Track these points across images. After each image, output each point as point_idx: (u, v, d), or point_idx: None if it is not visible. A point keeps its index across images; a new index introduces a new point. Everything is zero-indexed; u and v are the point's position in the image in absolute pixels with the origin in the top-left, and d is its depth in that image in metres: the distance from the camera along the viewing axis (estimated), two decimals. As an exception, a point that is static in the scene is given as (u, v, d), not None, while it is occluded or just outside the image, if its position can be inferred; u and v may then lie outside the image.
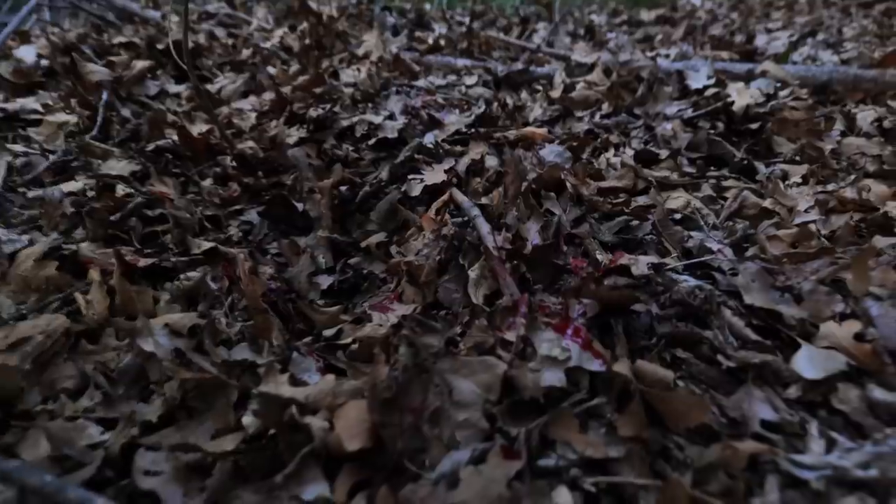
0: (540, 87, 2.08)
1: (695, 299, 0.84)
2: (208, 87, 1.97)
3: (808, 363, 0.73)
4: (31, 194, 1.25)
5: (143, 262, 1.05)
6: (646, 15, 4.16)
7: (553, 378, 0.72)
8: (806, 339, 0.79)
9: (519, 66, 2.22)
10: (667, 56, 2.33)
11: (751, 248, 1.02)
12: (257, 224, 1.33)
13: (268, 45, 2.25)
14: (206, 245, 1.14)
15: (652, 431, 0.69)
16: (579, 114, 1.83)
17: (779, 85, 1.86)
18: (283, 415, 0.71)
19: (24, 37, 2.41)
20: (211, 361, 0.83)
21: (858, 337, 0.77)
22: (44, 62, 1.98)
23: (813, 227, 1.09)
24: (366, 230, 1.32)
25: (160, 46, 2.10)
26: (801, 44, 2.68)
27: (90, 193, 1.25)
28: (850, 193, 1.21)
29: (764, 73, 1.91)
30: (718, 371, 0.76)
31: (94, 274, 0.99)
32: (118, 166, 1.32)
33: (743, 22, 4.15)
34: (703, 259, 0.96)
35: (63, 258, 1.06)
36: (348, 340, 0.91)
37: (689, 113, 1.81)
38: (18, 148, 1.41)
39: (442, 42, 2.47)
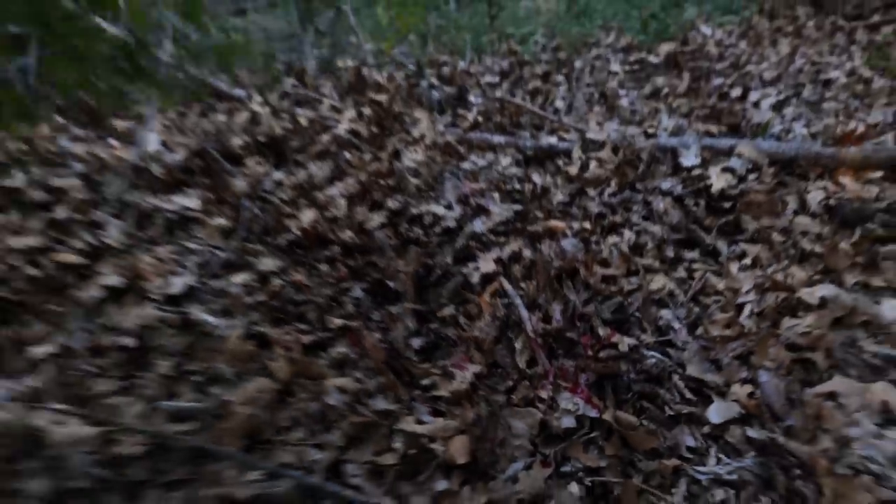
0: (561, 163, 2.61)
1: (655, 369, 1.38)
2: (301, 173, 2.56)
3: (715, 413, 1.26)
4: (214, 285, 1.85)
5: (306, 340, 1.64)
6: (656, 56, 4.60)
7: (568, 422, 1.28)
8: (721, 395, 1.32)
9: (543, 142, 2.75)
10: (665, 129, 2.82)
11: (700, 327, 1.55)
12: (363, 298, 1.91)
13: (340, 129, 2.83)
14: (339, 322, 1.72)
15: (624, 452, 1.23)
16: (591, 192, 2.36)
17: (750, 166, 2.35)
18: (419, 443, 1.29)
19: (139, 120, 3.03)
20: (368, 409, 1.41)
21: (751, 395, 1.30)
22: (176, 157, 2.59)
23: (748, 307, 1.61)
24: (439, 303, 1.88)
25: (262, 139, 2.70)
26: (787, 104, 3.13)
27: (254, 284, 1.85)
28: (780, 276, 1.72)
29: (740, 155, 2.40)
30: (665, 416, 1.30)
31: (280, 350, 1.58)
32: (269, 262, 1.91)
33: (748, 57, 4.56)
34: (666, 338, 1.50)
35: (252, 336, 1.66)
36: (444, 393, 1.48)
37: (679, 190, 2.32)
38: (193, 245, 2.02)
39: (480, 118, 3.01)
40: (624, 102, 3.41)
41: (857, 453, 1.17)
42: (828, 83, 3.58)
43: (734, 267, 1.81)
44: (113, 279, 1.81)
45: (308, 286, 1.86)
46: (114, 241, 2.02)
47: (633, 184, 2.42)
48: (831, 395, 1.30)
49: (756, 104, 3.15)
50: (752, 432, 1.22)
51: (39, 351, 1.62)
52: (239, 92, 3.45)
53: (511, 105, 3.19)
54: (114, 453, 1.31)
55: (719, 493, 1.11)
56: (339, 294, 1.91)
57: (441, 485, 1.21)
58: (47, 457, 1.29)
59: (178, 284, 1.81)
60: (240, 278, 1.87)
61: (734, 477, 1.12)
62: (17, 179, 2.44)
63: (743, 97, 3.34)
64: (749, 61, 4.46)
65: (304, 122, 2.95)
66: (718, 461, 1.17)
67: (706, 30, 5.55)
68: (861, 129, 2.50)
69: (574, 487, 1.17)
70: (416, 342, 1.74)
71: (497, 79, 3.83)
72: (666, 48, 4.85)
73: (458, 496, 1.19)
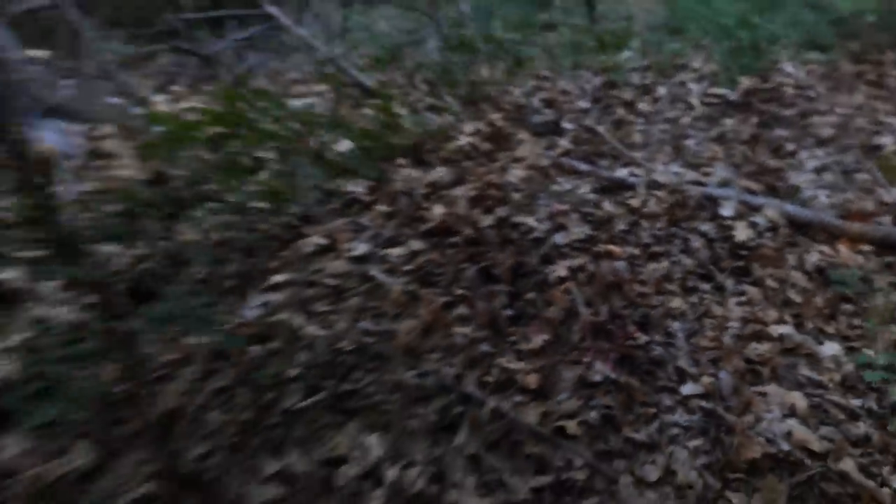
0: (628, 195, 3.41)
1: (658, 358, 2.26)
2: (432, 174, 3.47)
3: (687, 389, 2.13)
4: (381, 253, 2.81)
5: (440, 300, 2.58)
6: (734, 93, 5.13)
7: (598, 378, 2.18)
8: (693, 381, 2.19)
9: (617, 175, 3.54)
10: (716, 180, 3.54)
11: (694, 338, 2.40)
12: (474, 277, 2.84)
13: (463, 140, 3.70)
14: (460, 291, 2.66)
15: (628, 401, 2.13)
16: (645, 224, 3.16)
17: (771, 224, 3.08)
18: (507, 374, 2.22)
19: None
20: (477, 350, 2.35)
21: (711, 383, 2.16)
22: (341, 148, 3.54)
23: (731, 331, 2.43)
24: (526, 289, 2.79)
25: (403, 142, 3.62)
26: (827, 169, 3.74)
27: (407, 257, 2.80)
28: (761, 314, 2.53)
29: (766, 215, 3.12)
30: (657, 385, 2.18)
31: (425, 303, 2.53)
32: (415, 244, 2.86)
33: (819, 105, 5.04)
34: (670, 341, 2.36)
35: (407, 292, 2.62)
36: (524, 347, 2.39)
37: (713, 234, 3.10)
38: (364, 222, 2.99)
39: (570, 146, 3.82)
40: (691, 143, 4.11)
41: (763, 427, 2.02)
42: (875, 149, 4.11)
43: (733, 301, 2.62)
44: (319, 239, 2.81)
45: (442, 263, 2.80)
46: (311, 212, 3.03)
47: (679, 222, 3.21)
48: (763, 393, 2.15)
49: (800, 164, 3.80)
50: (705, 403, 2.08)
51: (277, 279, 2.64)
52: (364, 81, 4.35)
53: (596, 140, 3.96)
54: (336, 347, 2.33)
55: (675, 430, 2.00)
56: (459, 273, 2.85)
57: (518, 398, 2.15)
58: (302, 344, 2.31)
59: (360, 248, 2.79)
60: (397, 251, 2.83)
61: (686, 424, 2.01)
62: (232, 146, 3.47)
63: (793, 154, 3.97)
64: (817, 111, 4.94)
65: (434, 128, 3.83)
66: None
67: (789, 68, 5.95)
68: (872, 207, 3.17)
69: (594, 413, 2.08)
70: (508, 312, 2.66)
71: (588, 104, 4.57)
72: (746, 84, 5.36)
73: (528, 406, 2.13)
